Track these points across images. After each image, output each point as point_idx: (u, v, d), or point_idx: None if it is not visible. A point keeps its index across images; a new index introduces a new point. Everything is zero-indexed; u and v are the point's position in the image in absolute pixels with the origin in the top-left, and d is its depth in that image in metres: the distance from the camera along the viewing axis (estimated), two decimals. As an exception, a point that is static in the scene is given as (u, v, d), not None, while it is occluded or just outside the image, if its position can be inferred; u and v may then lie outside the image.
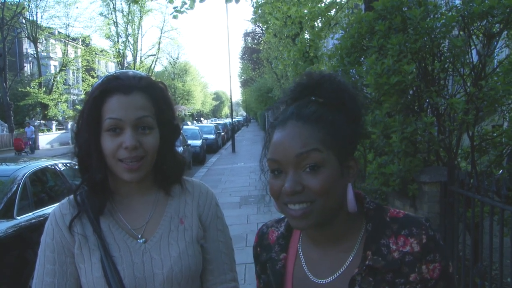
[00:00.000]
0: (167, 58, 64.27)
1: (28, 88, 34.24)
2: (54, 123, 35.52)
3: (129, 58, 44.90)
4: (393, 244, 0.98)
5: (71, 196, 1.34)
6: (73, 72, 44.60)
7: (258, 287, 1.25)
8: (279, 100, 1.27)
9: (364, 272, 0.98)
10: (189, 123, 46.64)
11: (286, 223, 1.18)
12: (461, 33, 3.62)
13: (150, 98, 1.28)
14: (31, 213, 4.47)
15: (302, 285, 1.07)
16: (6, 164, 5.33)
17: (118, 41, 42.41)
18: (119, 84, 1.26)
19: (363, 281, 0.97)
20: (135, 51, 44.16)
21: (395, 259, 0.97)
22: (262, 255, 1.20)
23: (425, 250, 0.96)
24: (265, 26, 12.74)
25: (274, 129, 1.03)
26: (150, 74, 1.32)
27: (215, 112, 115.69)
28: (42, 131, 32.78)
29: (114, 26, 41.96)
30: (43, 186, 5.38)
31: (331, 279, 1.03)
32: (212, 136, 25.53)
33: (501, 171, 3.74)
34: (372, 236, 1.01)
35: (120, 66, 43.17)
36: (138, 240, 1.31)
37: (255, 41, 40.74)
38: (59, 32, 39.64)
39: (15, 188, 4.44)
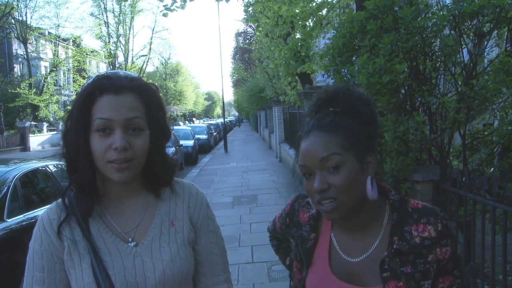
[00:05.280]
0: (158, 59, 64.13)
1: (18, 89, 33.78)
2: (45, 124, 35.16)
3: (121, 58, 44.62)
4: (415, 230, 1.16)
5: (59, 200, 1.31)
6: (64, 73, 44.26)
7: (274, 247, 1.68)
8: (304, 114, 1.56)
9: (392, 254, 1.16)
10: (181, 123, 46.55)
11: None
12: (452, 32, 3.64)
13: (141, 99, 1.26)
14: (22, 215, 4.41)
15: (337, 262, 1.25)
16: (-4, 166, 5.26)
17: (109, 42, 42.05)
18: (109, 84, 1.23)
19: (391, 261, 1.15)
20: (127, 52, 43.75)
21: (416, 243, 1.15)
22: (292, 229, 1.39)
23: (440, 235, 1.15)
24: (256, 24, 12.69)
25: (301, 140, 1.21)
26: (141, 75, 1.29)
27: (207, 112, 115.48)
28: (33, 132, 32.49)
29: (105, 26, 41.61)
30: (34, 188, 5.30)
31: (361, 259, 1.21)
32: (204, 136, 25.54)
33: (492, 169, 3.76)
34: (398, 224, 1.19)
35: (111, 66, 42.83)
36: (129, 244, 1.28)
37: (247, 41, 40.66)
38: (49, 33, 39.24)
39: (5, 190, 4.38)
